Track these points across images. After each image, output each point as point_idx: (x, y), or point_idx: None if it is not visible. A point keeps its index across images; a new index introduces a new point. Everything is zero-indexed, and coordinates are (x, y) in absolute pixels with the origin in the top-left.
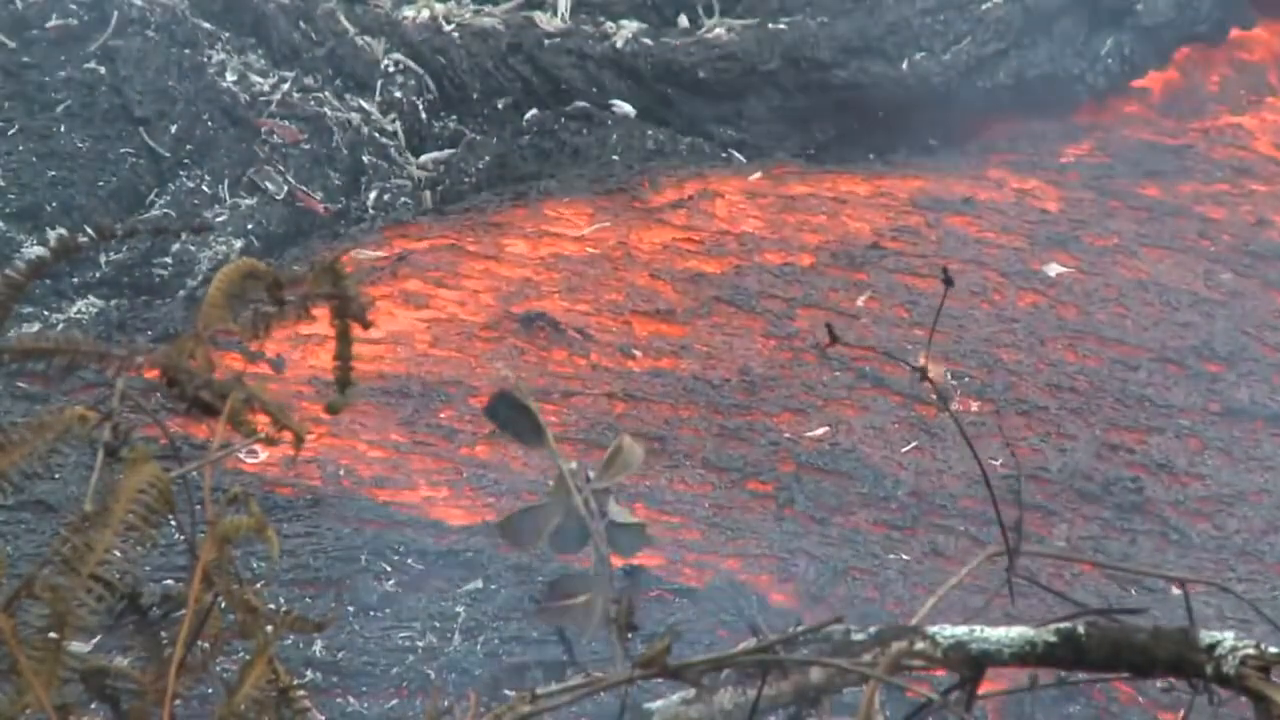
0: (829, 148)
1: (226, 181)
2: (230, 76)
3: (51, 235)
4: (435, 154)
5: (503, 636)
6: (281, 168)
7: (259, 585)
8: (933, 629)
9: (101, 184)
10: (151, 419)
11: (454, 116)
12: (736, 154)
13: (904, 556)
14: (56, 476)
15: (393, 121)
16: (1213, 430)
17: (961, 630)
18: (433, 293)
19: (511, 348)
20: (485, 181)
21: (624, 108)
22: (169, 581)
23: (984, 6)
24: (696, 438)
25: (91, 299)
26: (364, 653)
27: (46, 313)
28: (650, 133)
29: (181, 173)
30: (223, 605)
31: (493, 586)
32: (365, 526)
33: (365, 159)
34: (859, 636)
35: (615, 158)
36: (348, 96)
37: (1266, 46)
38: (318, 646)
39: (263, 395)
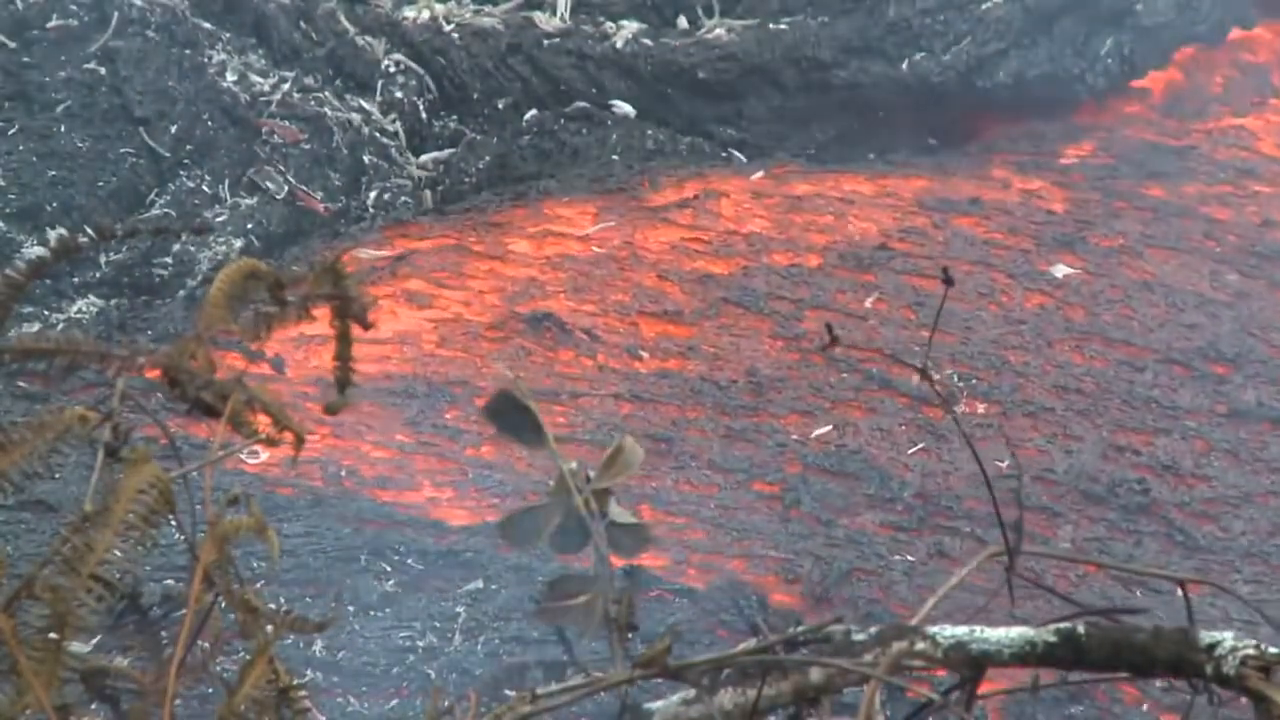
0: (829, 148)
1: (227, 181)
2: (230, 76)
3: (51, 235)
4: (435, 154)
5: (503, 636)
6: (282, 168)
7: (259, 585)
8: (933, 629)
9: (101, 184)
10: (152, 419)
11: (454, 116)
12: (737, 154)
13: (910, 558)
14: (56, 476)
15: (393, 121)
16: (1219, 432)
17: (962, 630)
18: (437, 293)
19: (518, 348)
20: (485, 181)
21: (624, 108)
22: (169, 581)
23: (984, 6)
24: (703, 438)
25: (91, 299)
26: (364, 653)
27: (46, 313)
28: (650, 133)
29: (181, 173)
30: (223, 605)
31: (493, 587)
32: (365, 526)
33: (366, 159)
34: (859, 637)
35: (615, 158)
36: (348, 96)
37: (1269, 47)
38: (318, 646)
39: (264, 396)
